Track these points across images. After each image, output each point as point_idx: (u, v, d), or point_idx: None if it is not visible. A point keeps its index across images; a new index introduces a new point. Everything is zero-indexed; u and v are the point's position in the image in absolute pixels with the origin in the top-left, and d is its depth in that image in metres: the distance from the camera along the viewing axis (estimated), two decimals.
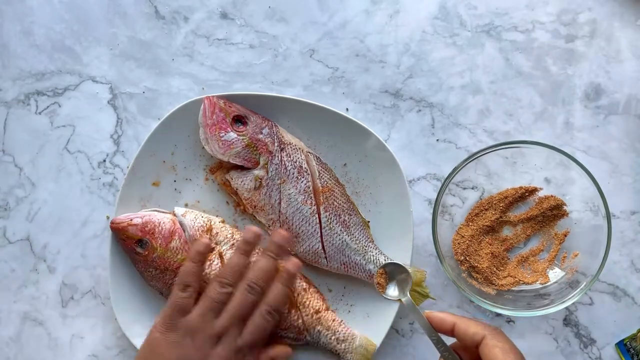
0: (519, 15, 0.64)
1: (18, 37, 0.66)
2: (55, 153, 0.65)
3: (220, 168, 0.62)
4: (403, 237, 0.60)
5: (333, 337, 0.60)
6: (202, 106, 0.59)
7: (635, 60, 0.64)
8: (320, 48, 0.65)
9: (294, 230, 0.60)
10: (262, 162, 0.59)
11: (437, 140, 0.64)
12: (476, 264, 0.61)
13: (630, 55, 0.64)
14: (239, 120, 0.59)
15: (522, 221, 0.62)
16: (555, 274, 0.61)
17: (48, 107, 0.65)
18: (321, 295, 0.62)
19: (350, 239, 0.60)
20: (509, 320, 0.62)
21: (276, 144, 0.59)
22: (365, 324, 0.61)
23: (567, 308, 0.62)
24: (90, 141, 0.65)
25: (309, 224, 0.59)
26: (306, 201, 0.59)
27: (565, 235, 0.62)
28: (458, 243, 0.62)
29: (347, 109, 0.64)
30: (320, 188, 0.60)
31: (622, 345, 0.61)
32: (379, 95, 0.64)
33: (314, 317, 0.60)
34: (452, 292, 0.63)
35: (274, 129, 0.60)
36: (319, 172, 0.60)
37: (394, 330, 0.62)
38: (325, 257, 0.60)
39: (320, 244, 0.60)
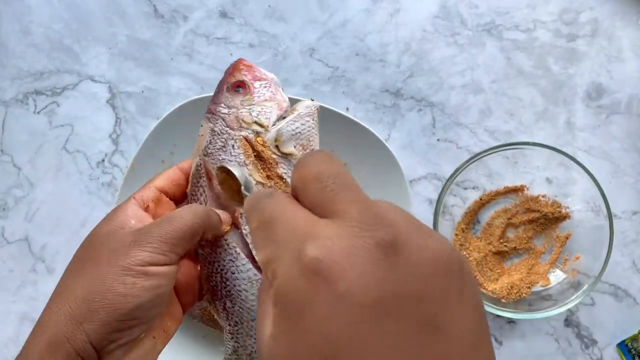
0: (520, 15, 0.64)
1: (16, 37, 0.66)
2: (53, 153, 0.65)
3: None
4: None
5: None
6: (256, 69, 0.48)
7: (637, 60, 0.64)
8: (320, 47, 0.65)
9: None
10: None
11: (438, 139, 0.64)
12: (476, 265, 0.61)
13: (632, 54, 0.63)
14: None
15: (524, 223, 0.62)
16: (556, 276, 0.61)
17: (46, 106, 0.65)
18: None
19: None
20: (510, 321, 0.62)
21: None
22: None
23: (568, 309, 0.61)
24: (88, 141, 0.65)
25: None
26: None
27: (567, 238, 0.62)
28: (457, 244, 0.61)
29: (347, 109, 0.64)
30: None
31: (623, 346, 0.61)
32: (380, 95, 0.64)
33: None
34: None
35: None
36: None
37: None
38: None
39: None
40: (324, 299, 0.22)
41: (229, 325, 0.43)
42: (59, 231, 0.64)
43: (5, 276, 0.64)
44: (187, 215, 0.38)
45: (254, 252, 0.42)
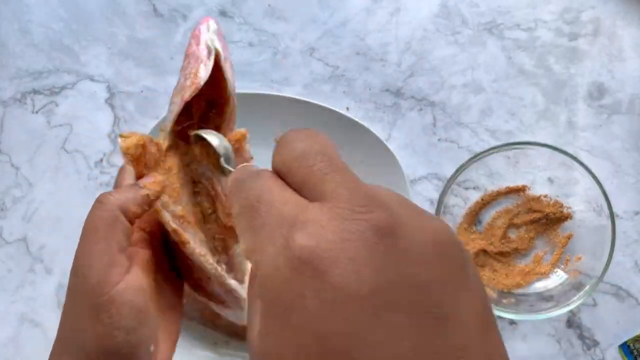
0: (521, 14, 0.64)
1: (15, 36, 0.66)
2: (52, 152, 0.64)
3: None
4: None
5: None
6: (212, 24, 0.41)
7: (639, 59, 0.63)
8: (320, 46, 0.64)
9: None
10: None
11: (439, 139, 0.63)
12: (476, 265, 0.61)
13: (633, 54, 0.63)
14: None
15: (526, 223, 0.62)
16: (558, 277, 0.61)
17: (45, 106, 0.65)
18: None
19: None
20: (512, 322, 0.62)
21: None
22: None
23: (570, 310, 0.61)
24: (87, 141, 0.64)
25: None
26: None
27: (569, 238, 0.61)
28: None
29: (347, 108, 0.64)
30: None
31: (625, 347, 0.61)
32: (380, 94, 0.64)
33: None
34: None
35: None
36: None
37: None
38: None
39: None
40: (315, 291, 0.19)
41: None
42: (57, 231, 0.64)
43: (3, 276, 0.64)
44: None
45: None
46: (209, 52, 0.39)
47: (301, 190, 0.22)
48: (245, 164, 0.28)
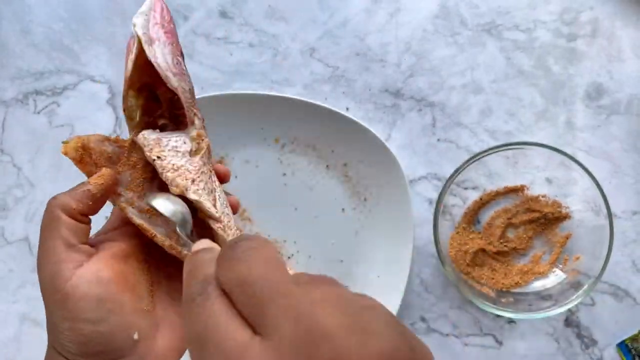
0: (521, 14, 0.64)
1: (16, 36, 0.66)
2: (54, 153, 0.65)
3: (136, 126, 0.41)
4: (403, 238, 0.60)
5: None
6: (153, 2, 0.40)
7: (637, 60, 0.63)
8: (320, 47, 0.65)
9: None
10: (198, 123, 0.40)
11: (438, 139, 0.64)
12: (475, 265, 0.61)
13: (632, 54, 0.63)
14: (182, 56, 0.41)
15: (525, 223, 0.62)
16: (557, 276, 0.61)
17: (47, 106, 0.65)
18: None
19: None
20: (510, 320, 0.62)
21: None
22: None
23: (568, 309, 0.61)
24: None
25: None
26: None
27: (567, 238, 0.62)
28: (456, 243, 0.61)
29: (347, 109, 0.64)
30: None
31: (623, 346, 0.61)
32: (380, 95, 0.64)
33: None
34: (452, 293, 0.62)
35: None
36: None
37: None
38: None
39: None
40: None
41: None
42: None
43: (5, 276, 0.64)
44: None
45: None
46: (132, 40, 0.38)
47: (247, 316, 0.22)
48: (200, 248, 0.28)
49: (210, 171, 0.40)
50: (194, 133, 0.39)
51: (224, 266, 0.23)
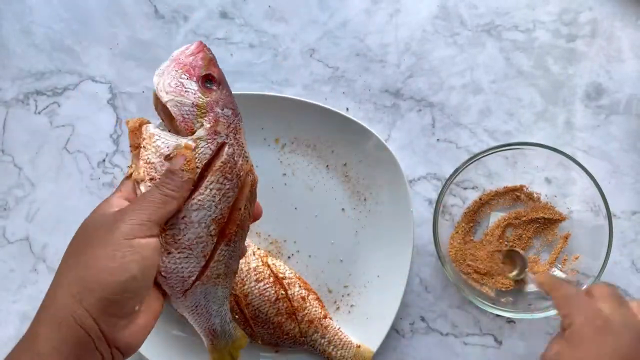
0: (520, 15, 0.64)
1: (17, 37, 0.66)
2: (54, 153, 0.65)
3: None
4: (403, 238, 0.60)
5: (330, 345, 0.60)
6: (188, 45, 0.49)
7: (636, 60, 0.64)
8: (320, 47, 0.65)
9: (181, 245, 0.44)
10: (197, 134, 0.44)
11: (438, 140, 0.64)
12: (474, 265, 0.61)
13: (631, 54, 0.64)
14: (210, 81, 0.47)
15: (524, 223, 0.62)
16: (556, 276, 0.61)
17: (47, 106, 0.65)
18: (320, 302, 0.62)
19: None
20: (510, 320, 0.62)
21: (230, 134, 0.46)
22: (365, 325, 0.61)
23: None
24: (89, 141, 0.65)
25: (200, 252, 0.45)
26: (209, 225, 0.44)
27: (567, 238, 0.62)
28: (456, 243, 0.62)
29: (347, 109, 0.64)
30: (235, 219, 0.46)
31: None
32: (379, 95, 0.64)
33: (311, 326, 0.60)
34: (452, 292, 0.62)
35: (237, 120, 0.47)
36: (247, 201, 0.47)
37: (394, 330, 0.62)
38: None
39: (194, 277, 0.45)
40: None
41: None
42: (59, 231, 0.64)
43: (6, 276, 0.64)
44: (155, 190, 0.41)
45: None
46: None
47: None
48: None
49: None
50: (182, 142, 0.43)
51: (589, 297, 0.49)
